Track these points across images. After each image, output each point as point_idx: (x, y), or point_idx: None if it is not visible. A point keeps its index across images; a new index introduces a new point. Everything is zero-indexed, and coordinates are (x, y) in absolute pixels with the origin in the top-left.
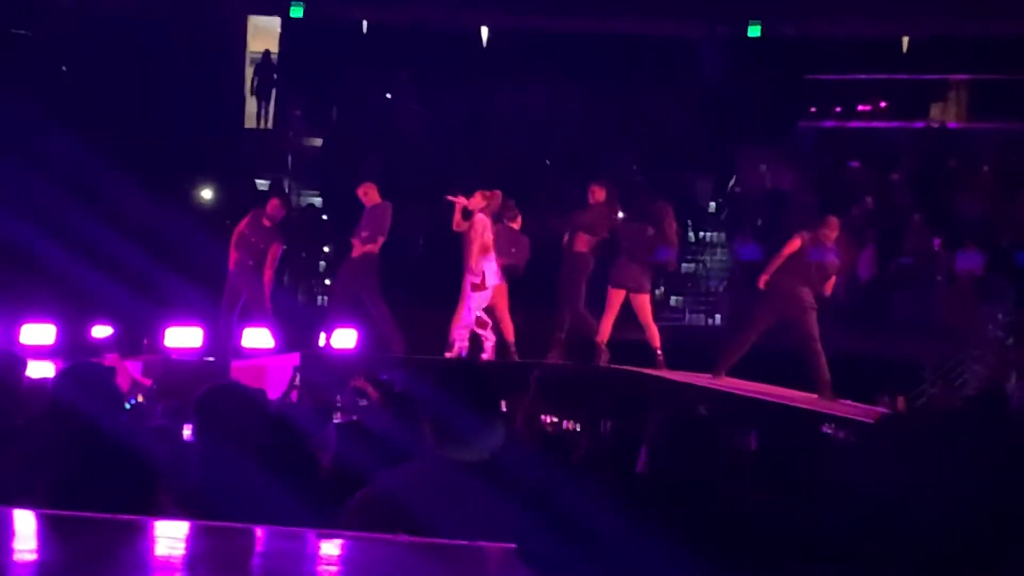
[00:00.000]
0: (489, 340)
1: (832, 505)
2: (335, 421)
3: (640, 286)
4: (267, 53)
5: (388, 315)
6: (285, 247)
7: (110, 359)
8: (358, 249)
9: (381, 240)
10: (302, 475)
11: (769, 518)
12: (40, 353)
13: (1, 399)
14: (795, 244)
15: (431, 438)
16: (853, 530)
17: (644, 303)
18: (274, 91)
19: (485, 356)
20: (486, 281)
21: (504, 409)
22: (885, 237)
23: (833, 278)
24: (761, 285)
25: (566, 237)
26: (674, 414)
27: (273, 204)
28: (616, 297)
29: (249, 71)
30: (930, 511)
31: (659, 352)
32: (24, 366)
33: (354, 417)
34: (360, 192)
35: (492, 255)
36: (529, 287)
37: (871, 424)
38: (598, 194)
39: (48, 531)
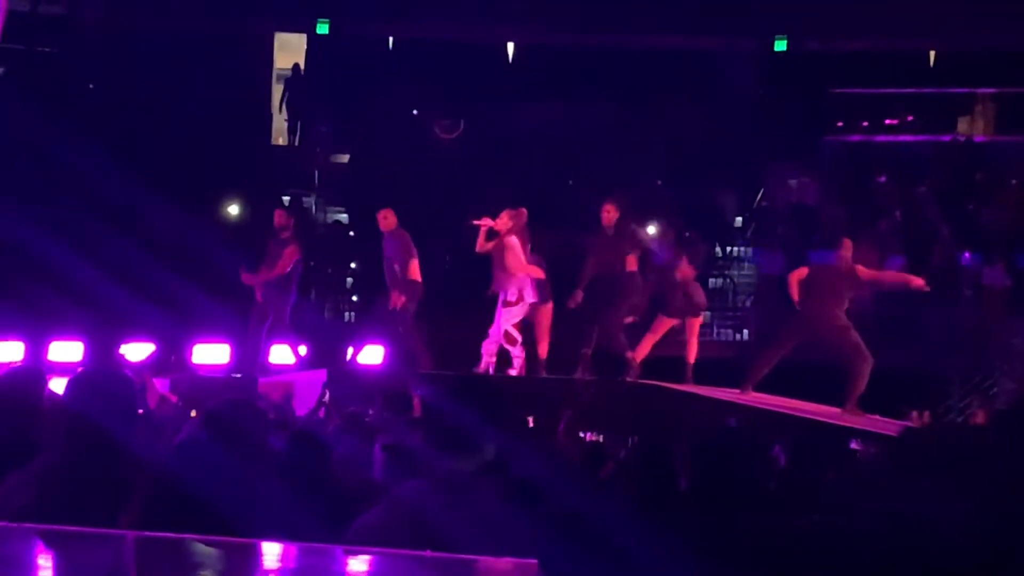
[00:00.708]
0: (518, 357)
1: (859, 520)
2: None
3: (695, 312)
4: (296, 68)
5: (416, 333)
6: (301, 252)
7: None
8: (398, 299)
9: (414, 260)
10: (320, 490)
11: (796, 534)
12: (68, 370)
13: (21, 415)
14: (802, 272)
15: (424, 443)
16: (879, 545)
17: (695, 325)
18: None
19: (513, 372)
20: (524, 297)
21: (531, 424)
22: (912, 251)
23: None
24: (795, 299)
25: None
26: (705, 429)
27: (277, 216)
28: (665, 325)
29: (276, 88)
30: (956, 527)
31: (689, 367)
32: (45, 381)
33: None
34: (380, 216)
35: (525, 273)
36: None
37: (896, 438)
38: (612, 213)
39: (67, 548)
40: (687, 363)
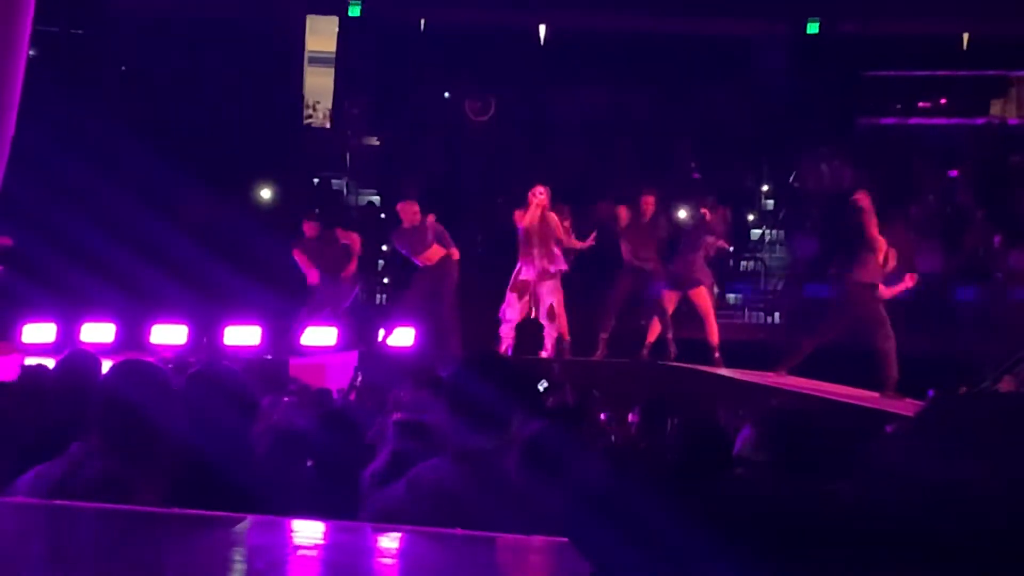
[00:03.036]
0: (550, 337)
1: (887, 491)
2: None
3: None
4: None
5: (456, 317)
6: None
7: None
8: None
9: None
10: (351, 472)
11: (821, 503)
12: (99, 351)
13: (76, 400)
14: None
15: (447, 417)
16: (909, 516)
17: (701, 301)
18: (333, 90)
19: (544, 353)
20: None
21: (565, 402)
22: (946, 234)
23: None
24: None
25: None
26: (759, 415)
27: (307, 227)
28: (669, 300)
29: (308, 70)
30: (988, 496)
31: (716, 351)
32: (99, 364)
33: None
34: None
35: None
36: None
37: (925, 406)
38: (651, 207)
39: (103, 526)
40: (710, 345)
